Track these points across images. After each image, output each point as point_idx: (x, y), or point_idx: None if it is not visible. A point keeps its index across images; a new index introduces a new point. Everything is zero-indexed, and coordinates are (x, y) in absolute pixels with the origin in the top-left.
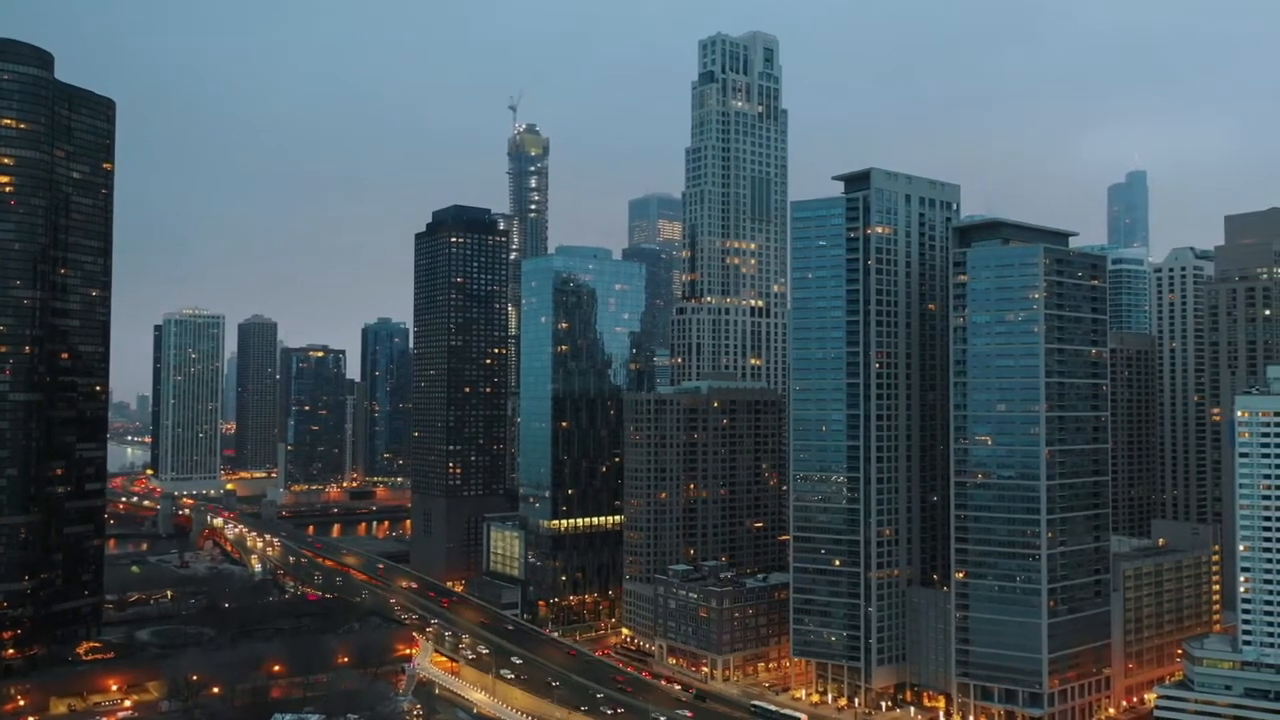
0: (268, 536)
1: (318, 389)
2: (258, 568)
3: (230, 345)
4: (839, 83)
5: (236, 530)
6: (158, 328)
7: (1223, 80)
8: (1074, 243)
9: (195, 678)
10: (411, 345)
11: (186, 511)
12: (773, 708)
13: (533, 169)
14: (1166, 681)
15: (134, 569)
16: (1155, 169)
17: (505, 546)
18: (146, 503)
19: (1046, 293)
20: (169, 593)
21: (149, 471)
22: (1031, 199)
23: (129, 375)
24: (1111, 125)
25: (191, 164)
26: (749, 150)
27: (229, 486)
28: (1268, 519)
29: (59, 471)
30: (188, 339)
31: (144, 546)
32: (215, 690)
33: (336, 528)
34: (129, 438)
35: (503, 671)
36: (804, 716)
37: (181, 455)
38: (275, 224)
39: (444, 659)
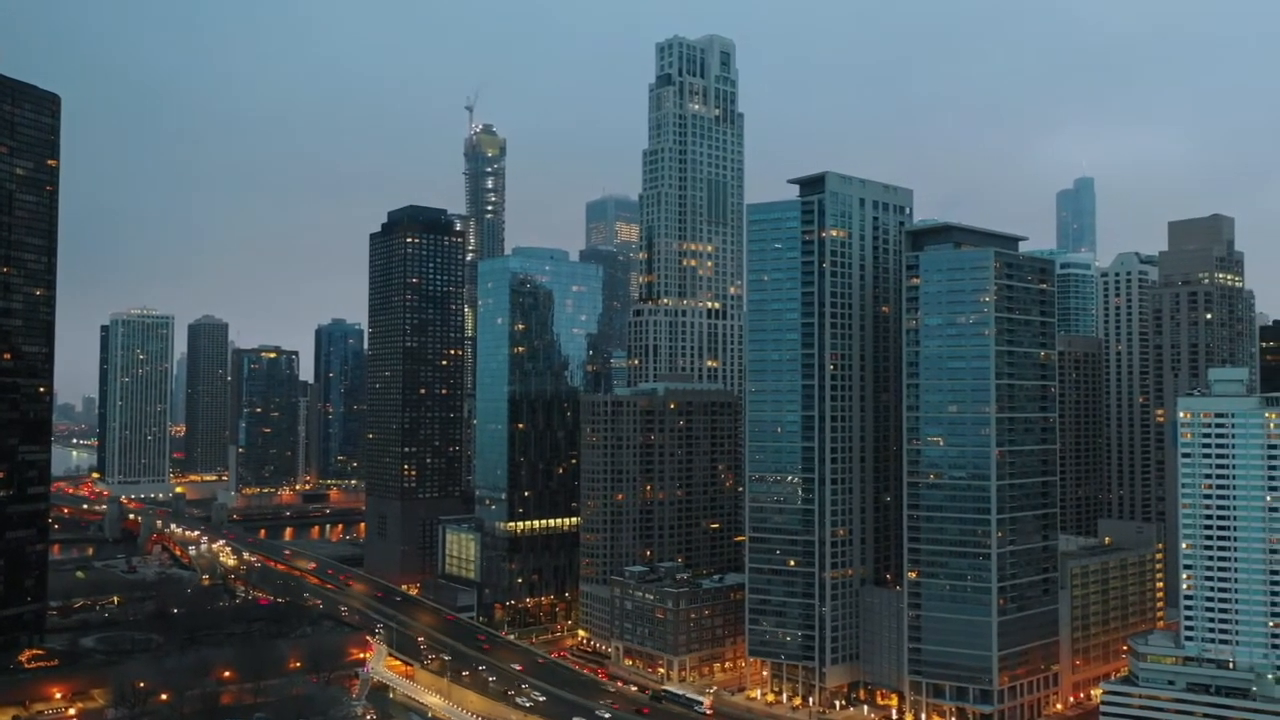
0: (218, 541)
1: (270, 390)
2: (208, 572)
3: (180, 346)
4: (801, 86)
5: (186, 534)
6: (104, 328)
7: (1177, 86)
8: (1024, 247)
9: (142, 685)
10: (366, 346)
11: (134, 515)
12: (678, 691)
13: (489, 170)
14: (1112, 677)
15: (79, 574)
16: (1110, 173)
17: (461, 549)
18: (94, 507)
19: (996, 296)
20: (115, 598)
21: (95, 475)
22: (993, 202)
23: (74, 376)
24: (1071, 129)
25: (140, 161)
26: (706, 153)
27: (178, 490)
28: (1209, 518)
29: (0, 474)
30: (135, 339)
31: (90, 551)
32: (163, 697)
33: (289, 531)
34: (74, 440)
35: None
36: (706, 700)
37: (129, 458)
38: (227, 223)
39: (398, 663)
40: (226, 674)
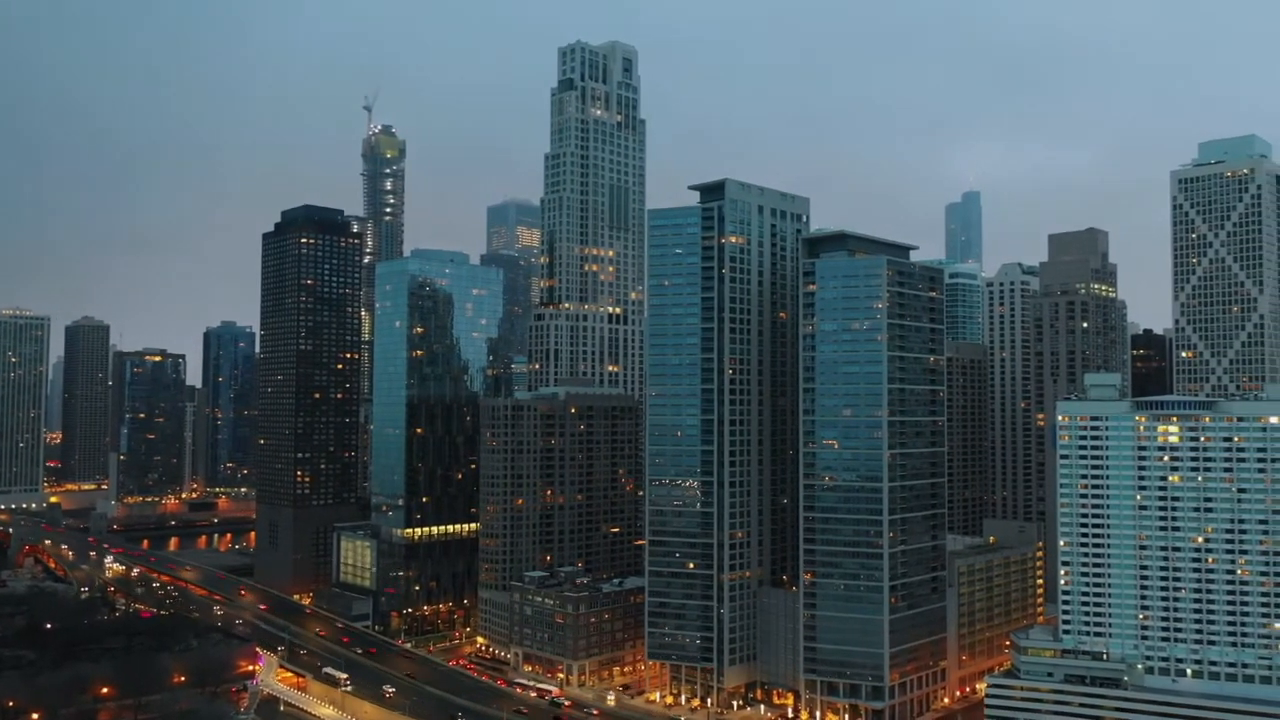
0: (96, 552)
1: (154, 395)
2: (85, 585)
3: (56, 349)
4: (714, 93)
5: (61, 546)
6: None
7: (1071, 102)
8: (915, 256)
9: (11, 704)
10: (258, 350)
11: (3, 527)
12: (530, 681)
13: (388, 171)
14: (996, 671)
15: None
16: (1004, 184)
17: (356, 557)
18: None
19: (889, 302)
20: None
21: None
22: (901, 209)
23: None
24: (969, 141)
25: (12, 149)
26: (608, 158)
27: (53, 499)
28: (1085, 516)
29: None
30: (7, 342)
31: None
32: (34, 717)
33: (174, 541)
34: None
35: (344, 682)
36: (556, 690)
37: None
38: (108, 219)
39: (290, 674)
40: (105, 690)
